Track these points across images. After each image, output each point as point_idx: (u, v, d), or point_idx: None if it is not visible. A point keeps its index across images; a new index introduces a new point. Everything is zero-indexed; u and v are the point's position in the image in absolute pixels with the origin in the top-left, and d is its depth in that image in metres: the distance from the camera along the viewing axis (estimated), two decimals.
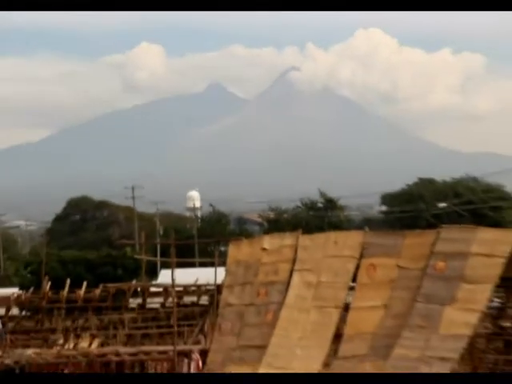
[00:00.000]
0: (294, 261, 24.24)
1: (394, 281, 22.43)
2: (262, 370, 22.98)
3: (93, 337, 30.95)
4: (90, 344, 29.98)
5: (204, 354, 25.43)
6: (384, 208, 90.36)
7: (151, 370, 24.57)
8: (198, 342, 29.06)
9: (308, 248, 24.32)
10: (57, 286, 33.89)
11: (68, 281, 33.89)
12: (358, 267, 23.17)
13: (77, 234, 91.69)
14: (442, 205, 77.73)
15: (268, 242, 25.42)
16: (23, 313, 33.09)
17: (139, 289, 34.33)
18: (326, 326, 22.91)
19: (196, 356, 25.43)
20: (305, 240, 24.81)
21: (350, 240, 23.94)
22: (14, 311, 32.90)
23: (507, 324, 22.02)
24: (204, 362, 25.00)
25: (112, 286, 33.73)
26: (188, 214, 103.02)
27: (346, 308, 23.34)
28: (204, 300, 32.22)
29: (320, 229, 52.51)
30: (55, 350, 28.21)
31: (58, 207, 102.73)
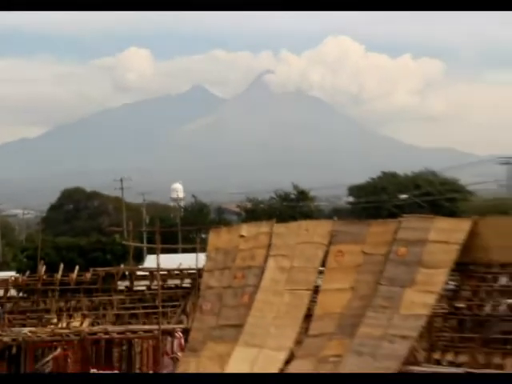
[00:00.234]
0: (269, 247, 24.24)
1: (359, 265, 22.46)
2: (238, 348, 23.00)
3: (84, 316, 30.82)
4: (82, 323, 29.86)
5: (186, 332, 25.40)
6: (351, 199, 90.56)
7: (138, 348, 24.51)
8: (180, 322, 29.00)
9: (282, 235, 24.32)
10: (51, 269, 33.75)
11: (61, 265, 33.80)
12: (327, 253, 23.20)
13: (70, 222, 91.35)
14: (403, 196, 77.91)
15: (245, 229, 25.40)
16: (20, 294, 32.94)
17: (127, 272, 34.24)
18: (298, 306, 22.94)
19: (179, 334, 25.38)
20: (279, 228, 24.81)
21: (320, 228, 23.97)
22: (12, 293, 32.74)
23: (461, 305, 22.11)
24: (186, 340, 24.97)
25: (102, 270, 33.64)
26: (172, 204, 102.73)
27: (316, 290, 23.38)
28: (186, 283, 32.16)
29: (293, 218, 52.48)
30: (49, 328, 28.08)
31: (53, 197, 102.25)
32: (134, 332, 25.55)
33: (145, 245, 54.72)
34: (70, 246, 60.73)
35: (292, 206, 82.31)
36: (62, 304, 31.87)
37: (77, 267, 33.93)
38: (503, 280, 21.82)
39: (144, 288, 32.70)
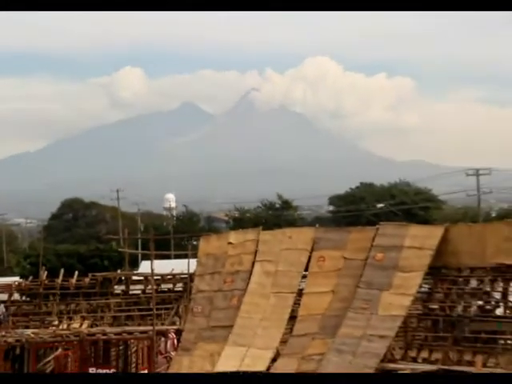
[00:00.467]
0: (255, 253, 24.20)
1: (340, 270, 22.46)
2: (228, 348, 22.94)
3: (83, 318, 30.69)
4: (81, 325, 29.73)
5: (179, 333, 25.33)
6: (331, 208, 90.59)
7: (133, 348, 24.45)
8: (173, 323, 28.91)
9: (267, 242, 24.29)
10: (52, 275, 33.62)
11: (62, 270, 33.63)
12: (309, 258, 23.18)
13: (69, 230, 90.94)
14: (380, 205, 78.03)
15: (233, 237, 25.35)
16: (23, 298, 32.78)
17: (123, 277, 34.12)
18: (283, 308, 22.90)
19: (172, 335, 25.31)
20: (265, 235, 24.78)
21: (303, 235, 23.96)
22: (16, 297, 32.58)
23: (434, 306, 22.14)
24: (179, 340, 24.89)
25: (99, 275, 33.51)
26: (165, 213, 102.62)
27: (300, 293, 23.35)
28: (179, 287, 32.07)
29: (277, 226, 52.41)
30: (51, 330, 27.98)
31: (54, 207, 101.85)
32: (130, 333, 25.48)
33: (140, 251, 54.59)
34: (69, 252, 60.55)
35: (277, 215, 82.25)
36: (62, 307, 31.72)
37: (76, 272, 33.81)
38: (473, 283, 21.88)
39: (139, 292, 32.59)
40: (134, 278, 34.14)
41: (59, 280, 32.51)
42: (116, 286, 33.06)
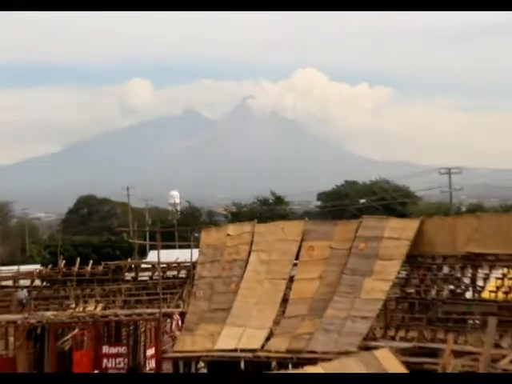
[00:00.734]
0: (251, 243, 24.21)
1: (327, 258, 22.50)
2: (226, 328, 22.94)
3: (97, 302, 30.67)
4: (95, 307, 29.71)
5: (183, 315, 25.32)
6: (319, 203, 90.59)
7: (142, 328, 24.41)
8: (178, 306, 28.88)
9: (262, 234, 24.30)
10: (69, 263, 33.58)
11: (78, 259, 33.61)
12: (300, 248, 23.21)
13: (84, 223, 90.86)
14: (362, 201, 78.03)
15: (231, 229, 25.35)
16: (43, 284, 32.77)
17: (133, 265, 34.09)
18: (276, 293, 22.93)
19: (176, 317, 25.28)
20: (259, 227, 24.79)
21: (294, 227, 23.98)
22: (37, 283, 32.56)
23: (411, 290, 22.19)
24: (183, 321, 24.89)
25: (112, 264, 33.48)
26: (170, 208, 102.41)
27: (291, 279, 23.38)
28: (182, 274, 32.06)
29: (271, 219, 52.38)
30: (68, 312, 27.95)
31: (70, 203, 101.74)
32: (139, 315, 25.46)
33: (147, 242, 54.57)
34: (85, 243, 60.42)
35: (270, 209, 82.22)
36: (78, 292, 31.70)
37: (91, 261, 33.78)
38: (445, 270, 21.95)
39: (147, 278, 32.56)
40: (143, 265, 34.11)
41: (76, 268, 32.49)
42: (126, 273, 33.06)
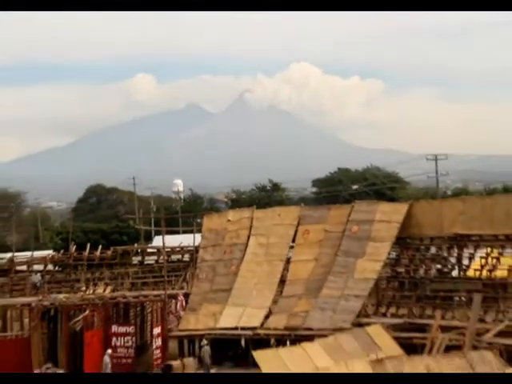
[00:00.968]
0: (250, 228, 24.21)
1: (322, 241, 22.51)
2: (228, 307, 22.98)
3: (106, 285, 30.71)
4: (105, 290, 29.76)
5: (186, 296, 25.35)
6: (314, 189, 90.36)
7: (149, 308, 24.42)
8: (182, 288, 28.94)
9: (260, 219, 24.30)
10: (80, 248, 33.60)
11: (88, 245, 33.66)
12: (296, 232, 23.20)
13: (94, 211, 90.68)
14: (355, 187, 77.88)
15: (231, 215, 25.33)
16: (56, 268, 32.79)
17: (139, 250, 34.13)
18: (274, 274, 22.94)
19: (181, 297, 25.31)
20: (258, 213, 24.77)
21: (290, 213, 23.98)
22: (50, 267, 32.58)
23: (401, 270, 22.23)
24: (187, 302, 24.93)
25: (120, 248, 33.53)
26: (174, 196, 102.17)
27: (288, 261, 23.38)
28: (186, 257, 32.12)
29: (268, 205, 52.32)
30: (79, 294, 27.98)
31: (80, 192, 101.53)
32: (145, 296, 25.49)
33: (153, 228, 54.51)
34: (94, 230, 60.39)
35: (268, 196, 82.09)
36: (88, 275, 31.75)
37: (100, 246, 33.82)
38: (433, 250, 21.98)
39: (153, 262, 32.62)
40: (149, 250, 34.16)
41: (86, 253, 32.51)
42: (133, 258, 33.10)
